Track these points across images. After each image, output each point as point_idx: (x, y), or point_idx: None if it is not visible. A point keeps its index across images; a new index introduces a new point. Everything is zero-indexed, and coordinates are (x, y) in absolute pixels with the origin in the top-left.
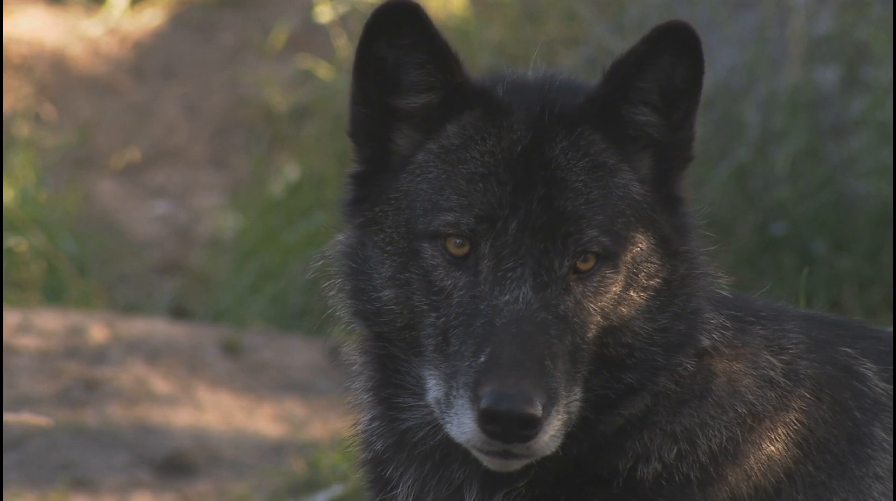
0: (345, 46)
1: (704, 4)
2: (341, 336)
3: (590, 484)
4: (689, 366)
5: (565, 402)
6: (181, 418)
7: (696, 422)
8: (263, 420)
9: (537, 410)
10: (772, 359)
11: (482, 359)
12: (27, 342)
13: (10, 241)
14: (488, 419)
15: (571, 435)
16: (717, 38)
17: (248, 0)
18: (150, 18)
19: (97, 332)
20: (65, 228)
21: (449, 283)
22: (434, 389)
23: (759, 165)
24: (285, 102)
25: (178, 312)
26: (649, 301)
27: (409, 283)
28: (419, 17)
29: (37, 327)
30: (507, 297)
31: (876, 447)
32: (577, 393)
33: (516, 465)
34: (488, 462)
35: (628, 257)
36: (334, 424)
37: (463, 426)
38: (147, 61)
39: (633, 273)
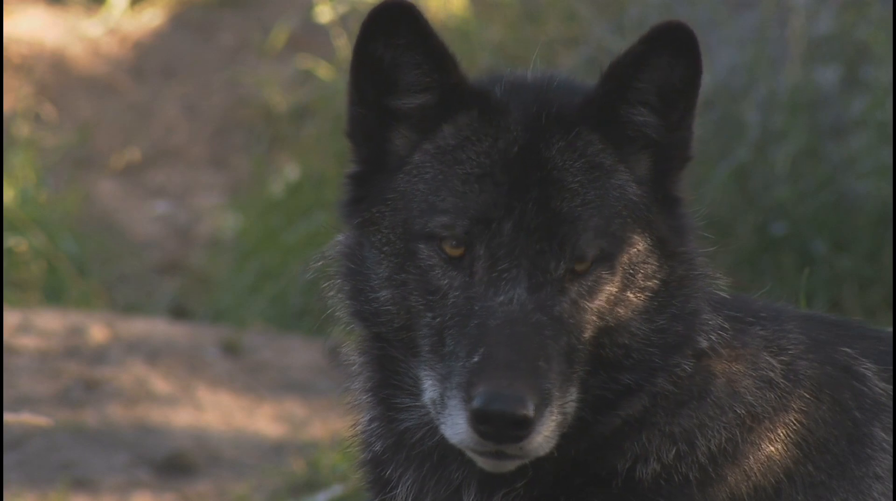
0: (345, 46)
1: (704, 4)
2: (341, 336)
3: (589, 485)
4: (686, 367)
5: (560, 403)
6: (181, 418)
7: (694, 423)
8: (263, 420)
9: (529, 411)
10: (771, 360)
11: (475, 359)
12: (27, 342)
13: (10, 241)
14: (480, 420)
15: (569, 436)
16: (717, 38)
17: (248, 0)
18: (150, 18)
19: (97, 332)
20: (65, 228)
21: (445, 283)
22: (430, 390)
23: (759, 165)
24: (285, 102)
25: (178, 312)
26: (647, 302)
27: (406, 283)
28: (415, 18)
29: (37, 327)
30: (502, 298)
31: (876, 447)
32: (573, 394)
33: (510, 466)
34: (482, 463)
35: (625, 259)
36: (334, 424)
37: (456, 427)
38: (147, 61)
39: (630, 274)
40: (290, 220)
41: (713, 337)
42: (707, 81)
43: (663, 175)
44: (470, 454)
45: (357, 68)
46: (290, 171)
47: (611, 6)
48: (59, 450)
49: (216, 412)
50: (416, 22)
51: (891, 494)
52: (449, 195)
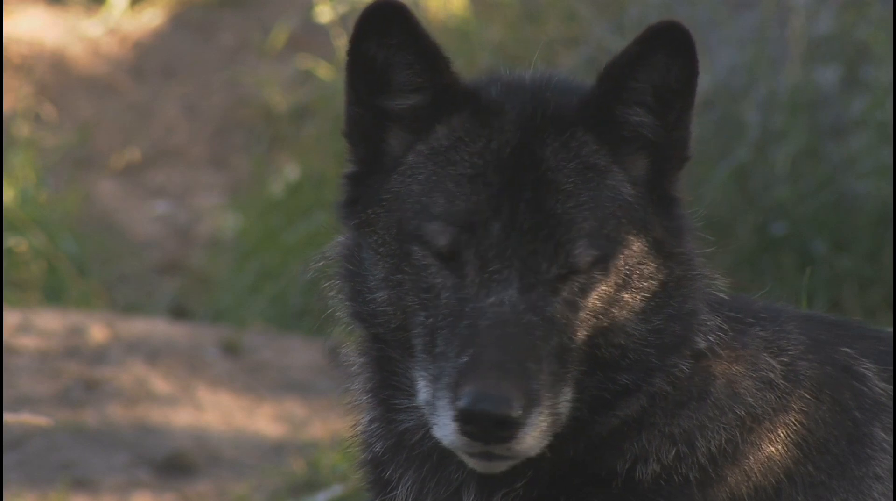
0: (344, 46)
1: (704, 4)
2: (341, 337)
3: (588, 485)
4: (684, 368)
5: (550, 403)
6: (181, 418)
7: (694, 424)
8: (263, 420)
9: (515, 411)
10: (771, 361)
11: (464, 360)
12: (27, 342)
13: (10, 241)
14: (466, 420)
15: (566, 436)
16: (717, 38)
17: (248, 0)
18: (150, 18)
19: (97, 332)
20: (65, 228)
21: (438, 282)
22: (423, 391)
23: (759, 165)
24: (285, 102)
25: (178, 312)
26: (643, 303)
27: (402, 284)
28: (406, 18)
29: (37, 327)
30: (493, 299)
31: (876, 447)
32: (567, 394)
33: (501, 466)
34: (473, 464)
35: (620, 260)
36: (334, 424)
37: (445, 428)
38: (147, 61)
39: (626, 275)
40: (290, 220)
41: (711, 338)
42: (707, 80)
43: (661, 175)
44: (460, 455)
45: (351, 68)
46: (290, 171)
47: (611, 6)
48: (59, 450)
49: (216, 412)
50: (407, 22)
51: (891, 494)
52: (441, 198)
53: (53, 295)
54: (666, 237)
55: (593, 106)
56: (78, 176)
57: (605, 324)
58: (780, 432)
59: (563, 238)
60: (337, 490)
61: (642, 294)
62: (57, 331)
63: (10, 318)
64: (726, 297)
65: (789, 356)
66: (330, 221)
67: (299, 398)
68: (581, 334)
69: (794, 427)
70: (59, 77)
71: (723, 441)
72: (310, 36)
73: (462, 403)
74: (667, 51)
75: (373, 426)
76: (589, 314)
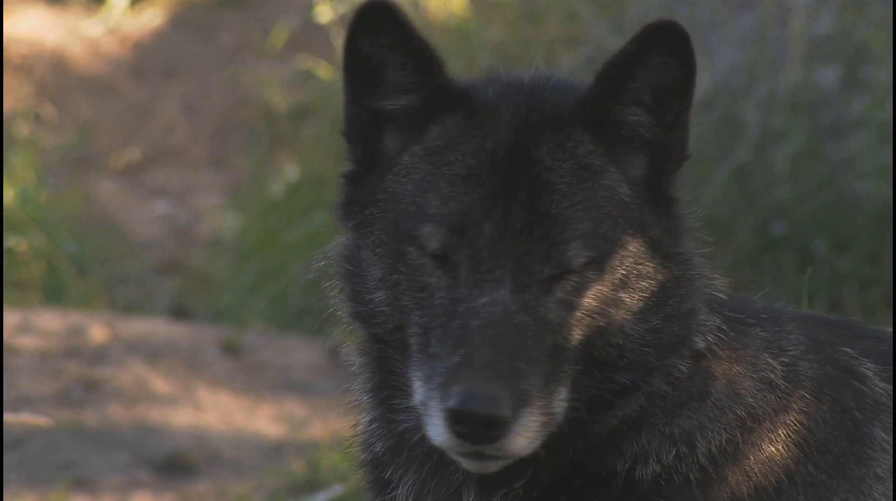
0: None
1: (704, 4)
2: (341, 337)
3: (588, 485)
4: (682, 368)
5: (543, 403)
6: (181, 418)
7: (694, 424)
8: (263, 420)
9: (503, 411)
10: (772, 361)
11: (455, 360)
12: (27, 342)
13: (10, 241)
14: (454, 420)
15: (565, 435)
16: (717, 38)
17: (248, 0)
18: (150, 18)
19: (97, 332)
20: (65, 228)
21: (432, 281)
22: (417, 391)
23: (759, 165)
24: (285, 102)
25: (178, 312)
26: (641, 302)
27: (399, 284)
28: (397, 17)
29: (37, 327)
30: (485, 299)
31: (876, 447)
32: (563, 393)
33: (494, 466)
34: (466, 464)
35: (616, 260)
36: (334, 424)
37: (436, 428)
38: (147, 61)
39: (622, 275)
40: (290, 220)
41: (710, 338)
42: (707, 80)
43: (659, 175)
44: (452, 455)
45: (347, 66)
46: (290, 171)
47: (611, 6)
48: (59, 450)
49: (216, 412)
50: (398, 22)
51: (891, 495)
52: (434, 199)
53: (53, 295)
54: (663, 237)
55: (590, 106)
56: (78, 176)
57: (602, 324)
58: (780, 432)
59: (557, 239)
60: (337, 490)
61: (640, 294)
62: (57, 331)
63: (10, 318)
64: (727, 297)
65: (790, 356)
66: (330, 221)
67: (299, 398)
68: (576, 334)
69: (795, 428)
70: (59, 77)
71: (723, 442)
72: (310, 36)
73: (451, 403)
74: (664, 50)
75: (373, 427)
76: (584, 314)
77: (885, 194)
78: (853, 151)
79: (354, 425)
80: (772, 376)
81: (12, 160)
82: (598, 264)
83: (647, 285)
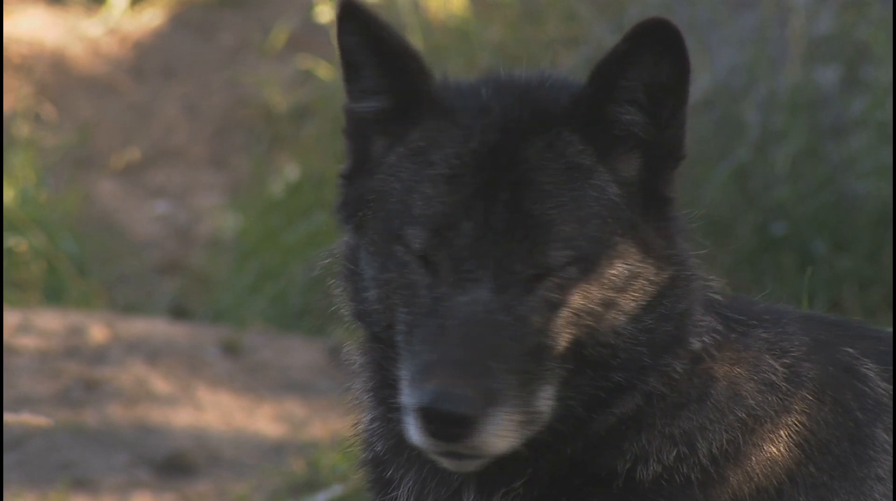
0: None
1: (704, 4)
2: (342, 336)
3: (588, 485)
4: (678, 368)
5: (519, 402)
6: (181, 418)
7: (694, 425)
8: (263, 420)
9: (469, 410)
10: (773, 363)
11: (430, 358)
12: (27, 342)
13: (10, 241)
14: (422, 418)
15: (563, 434)
16: (717, 38)
17: (248, 0)
18: (150, 18)
19: (97, 332)
20: (65, 228)
21: (417, 280)
22: (402, 390)
23: (759, 165)
24: (285, 102)
25: (178, 312)
26: (632, 302)
27: (389, 283)
28: (364, 18)
29: (37, 327)
30: (465, 298)
31: (878, 448)
32: (548, 392)
33: (472, 465)
34: (446, 464)
35: (603, 259)
36: (334, 424)
37: (411, 427)
38: (147, 61)
39: (612, 275)
40: (290, 220)
41: (706, 339)
42: (707, 80)
43: (654, 175)
44: (430, 455)
45: (341, 64)
46: (290, 171)
47: (611, 6)
48: (59, 450)
49: (216, 412)
50: (366, 22)
51: (892, 496)
52: (419, 200)
53: (53, 295)
54: (656, 238)
55: (583, 105)
56: (78, 176)
57: (591, 323)
58: (782, 433)
59: (539, 238)
60: (337, 490)
61: (632, 294)
62: (57, 331)
63: (10, 318)
64: (729, 299)
65: (792, 357)
66: (330, 220)
67: (299, 398)
68: (562, 332)
69: (797, 428)
70: (59, 77)
71: (724, 443)
72: (310, 36)
73: (417, 401)
74: (655, 48)
75: (374, 426)
76: (571, 313)
77: (885, 194)
78: (853, 151)
79: (355, 424)
80: (773, 377)
81: (12, 160)
82: (585, 263)
83: (640, 285)
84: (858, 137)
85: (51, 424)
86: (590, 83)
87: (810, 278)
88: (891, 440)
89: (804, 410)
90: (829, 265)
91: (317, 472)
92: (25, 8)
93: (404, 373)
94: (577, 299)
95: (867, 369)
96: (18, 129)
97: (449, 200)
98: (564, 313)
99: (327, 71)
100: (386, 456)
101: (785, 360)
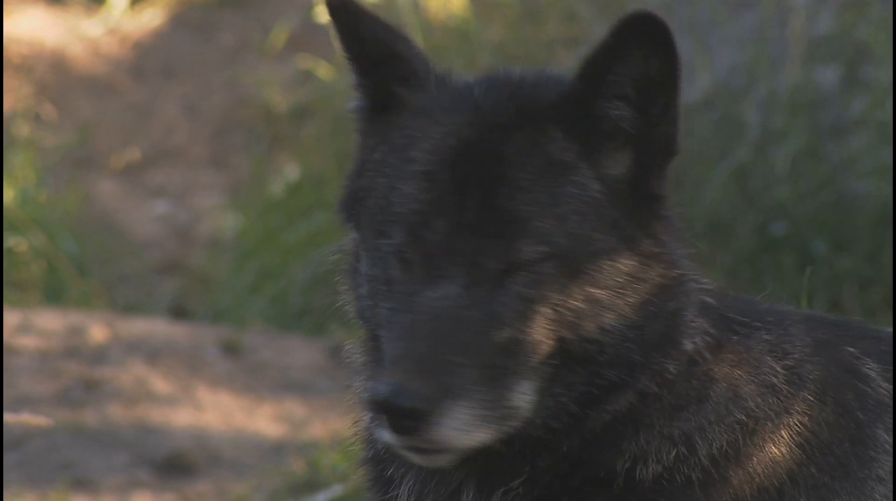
0: None
1: (704, 4)
2: (342, 336)
3: (588, 485)
4: (671, 368)
5: (483, 397)
6: (181, 418)
7: (693, 426)
8: (263, 420)
9: (421, 403)
10: (775, 365)
11: (395, 354)
12: (27, 342)
13: (10, 241)
14: (374, 411)
15: (558, 430)
16: (717, 38)
17: (248, 0)
18: (150, 18)
19: (97, 332)
20: (65, 228)
21: (394, 274)
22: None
23: (759, 165)
24: (285, 102)
25: (178, 312)
26: (618, 299)
27: (375, 279)
28: (350, 17)
29: (37, 327)
30: (436, 294)
31: (879, 449)
32: (524, 386)
33: (439, 460)
34: (414, 459)
35: (583, 256)
36: (334, 424)
37: (372, 423)
38: (147, 61)
39: (593, 272)
40: (290, 220)
41: (697, 341)
42: (707, 80)
43: (645, 171)
44: (397, 451)
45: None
46: (290, 171)
47: (611, 6)
48: (59, 450)
49: (216, 412)
50: (349, 21)
51: (892, 496)
52: (398, 197)
53: (53, 295)
54: (642, 236)
55: (571, 101)
56: (78, 176)
57: (572, 319)
58: (783, 434)
59: (511, 233)
60: (337, 490)
61: (617, 291)
62: (57, 331)
63: (10, 318)
64: (732, 300)
65: (794, 359)
66: (330, 220)
67: (299, 398)
68: (540, 328)
69: (798, 429)
70: (59, 77)
71: (724, 444)
72: (310, 36)
73: (371, 394)
74: (641, 42)
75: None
76: (548, 309)
77: (885, 194)
78: (853, 151)
79: (356, 422)
80: (774, 380)
81: (12, 160)
82: (563, 260)
83: (625, 283)
84: (858, 137)
85: (51, 424)
86: (577, 79)
87: (810, 278)
88: (892, 440)
89: (805, 411)
90: (829, 265)
91: (317, 472)
92: (25, 8)
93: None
94: (554, 296)
95: (869, 368)
96: (18, 129)
97: (424, 197)
98: (541, 308)
99: (327, 71)
100: (387, 455)
101: (787, 362)
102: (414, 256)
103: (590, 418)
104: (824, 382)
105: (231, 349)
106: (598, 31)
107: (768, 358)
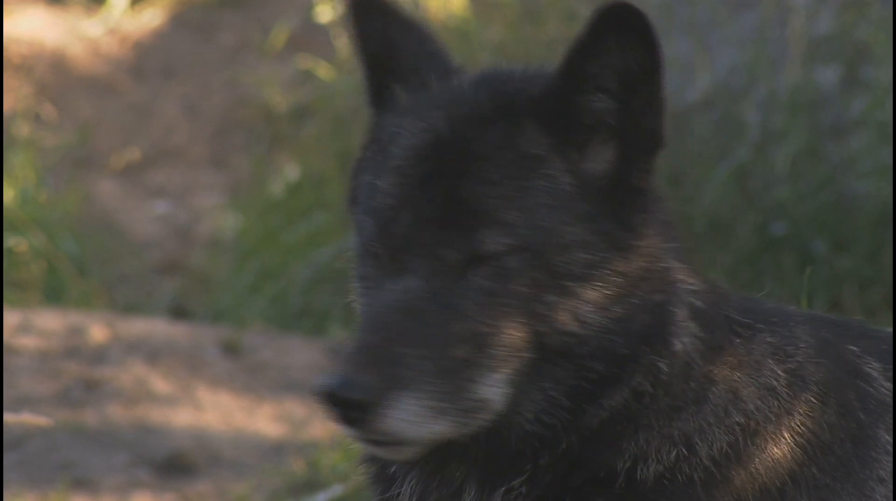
0: (345, 46)
1: (704, 4)
2: (342, 336)
3: (590, 484)
4: (663, 368)
5: (438, 388)
6: (181, 418)
7: (693, 427)
8: (263, 420)
9: (364, 394)
10: (776, 368)
11: (351, 346)
12: (27, 342)
13: (10, 241)
14: (320, 402)
15: (554, 427)
16: (717, 38)
17: (248, 0)
18: (150, 18)
19: (97, 332)
20: (65, 228)
21: (367, 271)
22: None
23: (759, 165)
24: (285, 102)
25: (178, 312)
26: (595, 292)
27: (358, 275)
28: (358, 15)
29: (37, 327)
30: (397, 287)
31: (880, 449)
32: (492, 379)
33: (399, 452)
34: (375, 452)
35: (552, 249)
36: (334, 424)
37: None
38: (147, 61)
39: (563, 264)
40: (290, 220)
41: (685, 340)
42: (707, 80)
43: (628, 165)
44: (359, 444)
45: None
46: (290, 171)
47: None
48: (59, 450)
49: (216, 412)
50: (359, 16)
51: (893, 497)
52: (372, 192)
53: (53, 295)
54: (619, 230)
55: (550, 95)
56: (78, 176)
57: (543, 312)
58: (784, 435)
59: (473, 225)
60: (337, 490)
61: (593, 283)
62: (57, 331)
63: (10, 318)
64: (736, 300)
65: (796, 361)
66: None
67: (299, 398)
68: (508, 320)
69: (799, 430)
70: (59, 77)
71: (724, 445)
72: (310, 36)
73: (318, 386)
74: (617, 33)
75: None
76: (515, 301)
77: (885, 194)
78: (853, 151)
79: None
80: (774, 383)
81: (12, 160)
82: (530, 252)
83: (602, 275)
84: (858, 137)
85: (51, 424)
86: (557, 73)
87: (810, 278)
88: (892, 441)
89: (807, 412)
90: (829, 265)
91: (317, 472)
92: (25, 8)
93: None
94: (522, 288)
95: (870, 368)
96: (18, 129)
97: (396, 191)
98: (507, 300)
99: (327, 71)
100: None
101: (789, 365)
102: (382, 250)
103: (585, 413)
104: (827, 383)
105: (231, 349)
106: None
107: (770, 361)
